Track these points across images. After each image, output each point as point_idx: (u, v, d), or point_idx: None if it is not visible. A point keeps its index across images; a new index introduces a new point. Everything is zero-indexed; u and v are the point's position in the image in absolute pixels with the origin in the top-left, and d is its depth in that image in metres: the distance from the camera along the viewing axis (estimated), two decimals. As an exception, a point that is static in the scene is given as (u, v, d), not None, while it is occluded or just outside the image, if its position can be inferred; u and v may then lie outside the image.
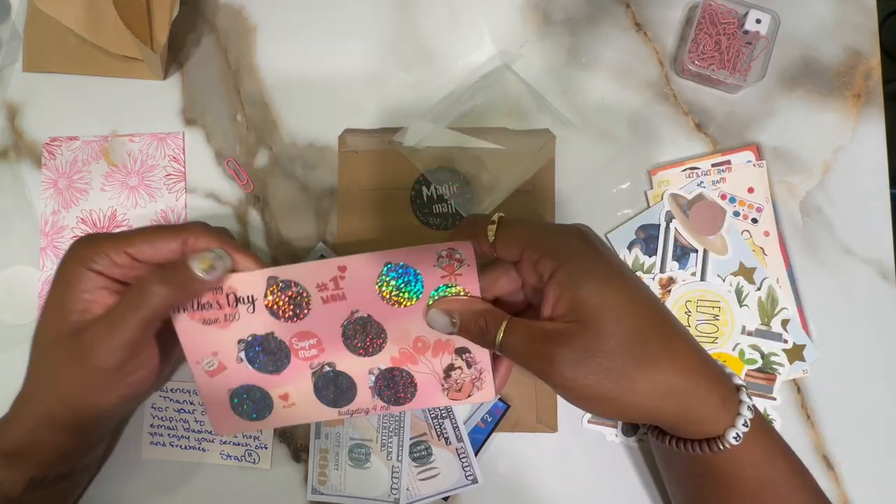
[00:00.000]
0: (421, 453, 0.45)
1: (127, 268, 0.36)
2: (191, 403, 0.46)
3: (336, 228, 0.47)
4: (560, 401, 0.46)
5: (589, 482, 0.45)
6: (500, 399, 0.45)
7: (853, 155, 0.47)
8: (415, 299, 0.37)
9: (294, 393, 0.39)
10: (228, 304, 0.37)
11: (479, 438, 0.45)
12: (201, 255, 0.35)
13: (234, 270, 0.37)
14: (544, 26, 0.48)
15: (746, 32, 0.45)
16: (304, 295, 0.37)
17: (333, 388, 0.39)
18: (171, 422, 0.46)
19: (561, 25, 0.48)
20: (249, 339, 0.38)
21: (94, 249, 0.35)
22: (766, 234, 0.46)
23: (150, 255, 0.36)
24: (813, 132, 0.47)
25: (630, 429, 0.45)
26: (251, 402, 0.40)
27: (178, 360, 0.42)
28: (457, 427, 0.44)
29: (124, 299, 0.35)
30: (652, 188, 0.47)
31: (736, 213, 0.46)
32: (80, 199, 0.47)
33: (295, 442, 0.46)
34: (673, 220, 0.46)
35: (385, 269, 0.36)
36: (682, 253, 0.46)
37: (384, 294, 0.37)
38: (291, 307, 0.37)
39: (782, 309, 0.45)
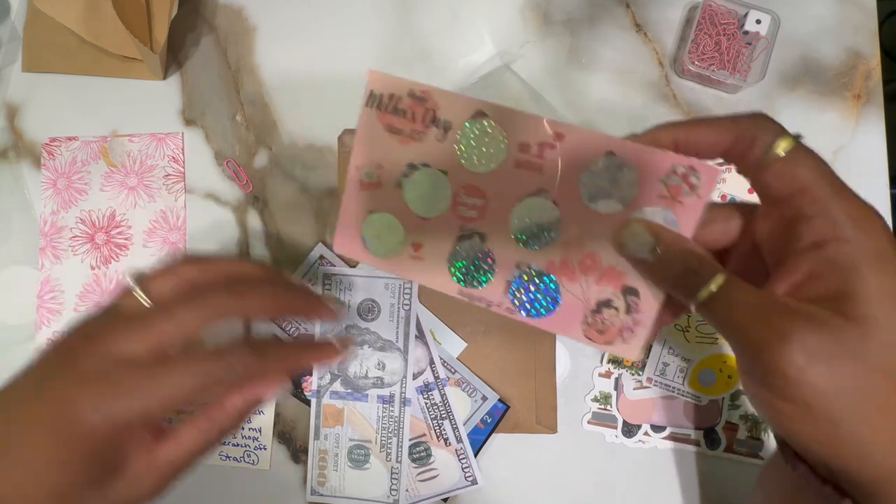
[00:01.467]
0: (420, 454, 0.44)
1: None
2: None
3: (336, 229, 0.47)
4: (560, 401, 0.46)
5: (589, 482, 0.45)
6: (499, 400, 0.44)
7: (853, 155, 0.47)
8: (618, 209, 0.31)
9: (428, 247, 0.35)
10: (423, 121, 0.32)
11: (479, 439, 0.45)
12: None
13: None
14: (544, 26, 0.48)
15: (746, 33, 0.45)
16: (500, 149, 0.32)
17: (471, 262, 0.34)
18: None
19: (561, 25, 0.48)
20: (420, 166, 0.33)
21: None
22: (767, 234, 0.46)
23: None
24: (813, 132, 0.47)
25: (629, 430, 0.45)
26: (382, 235, 0.35)
27: None
28: (456, 428, 0.44)
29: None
30: (652, 188, 0.47)
31: (736, 214, 0.46)
32: (80, 199, 0.47)
33: (294, 443, 0.46)
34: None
35: (602, 160, 0.30)
36: (683, 253, 0.46)
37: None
38: (480, 157, 0.32)
39: (782, 309, 0.45)
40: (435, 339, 0.44)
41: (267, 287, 0.33)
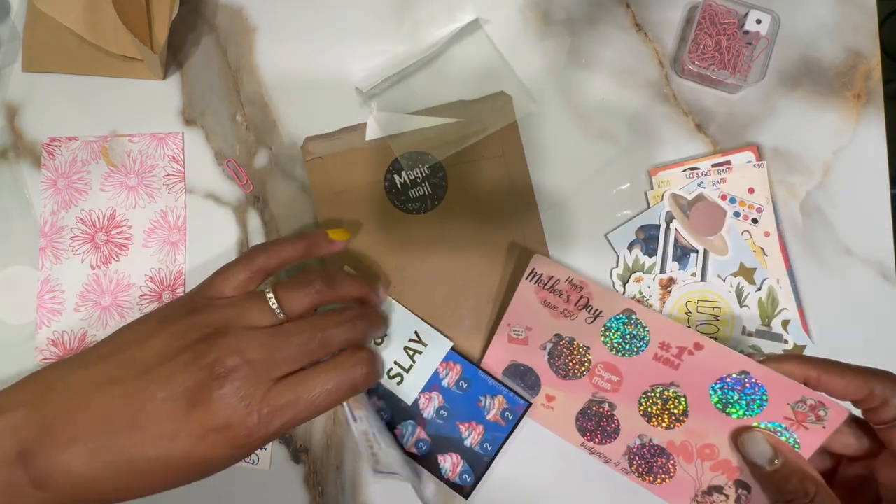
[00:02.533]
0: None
1: None
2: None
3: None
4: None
5: (588, 482, 0.45)
6: (519, 396, 0.43)
7: (853, 155, 0.47)
8: (742, 417, 0.35)
9: (561, 400, 0.40)
10: (575, 305, 0.37)
11: (500, 437, 0.44)
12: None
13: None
14: (544, 26, 0.48)
15: (746, 33, 0.45)
16: (643, 341, 0.36)
17: (597, 422, 0.39)
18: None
19: (561, 25, 0.48)
20: (567, 336, 0.38)
21: None
22: (767, 234, 0.46)
23: None
24: (813, 132, 0.47)
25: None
26: (519, 380, 0.41)
27: None
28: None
29: None
30: (652, 188, 0.47)
31: (736, 214, 0.46)
32: (80, 199, 0.47)
33: (294, 443, 0.46)
34: (673, 221, 0.46)
35: (736, 374, 0.34)
36: (683, 253, 0.46)
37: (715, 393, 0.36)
38: (622, 344, 0.37)
39: (783, 309, 0.45)
40: (420, 340, 0.43)
41: (357, 313, 0.38)
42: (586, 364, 0.38)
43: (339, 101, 0.48)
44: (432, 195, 0.46)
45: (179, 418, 0.32)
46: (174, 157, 0.48)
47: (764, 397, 0.34)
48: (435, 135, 0.46)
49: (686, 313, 0.46)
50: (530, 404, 0.41)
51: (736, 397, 0.34)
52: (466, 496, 0.42)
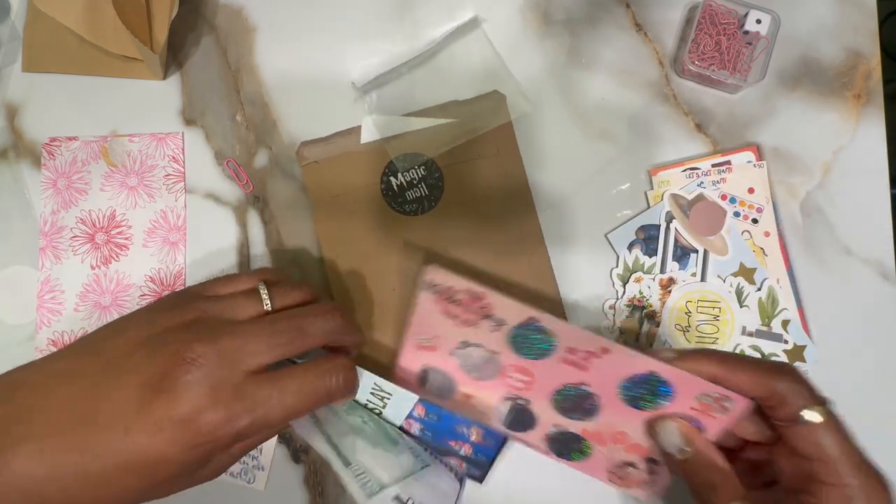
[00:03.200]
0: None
1: None
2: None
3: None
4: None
5: (588, 482, 0.45)
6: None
7: (853, 155, 0.47)
8: (652, 410, 0.36)
9: (478, 398, 0.41)
10: (475, 314, 0.37)
11: (493, 447, 0.43)
12: None
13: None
14: (544, 26, 0.48)
15: (746, 33, 0.45)
16: (551, 346, 0.37)
17: (514, 416, 0.40)
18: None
19: (561, 25, 0.48)
20: (474, 343, 0.39)
21: None
22: (767, 234, 0.46)
23: None
24: (813, 132, 0.47)
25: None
26: (437, 383, 0.41)
27: None
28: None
29: None
30: (652, 188, 0.47)
31: (736, 214, 0.46)
32: (80, 199, 0.47)
33: (294, 443, 0.46)
34: (673, 221, 0.46)
35: (646, 376, 0.35)
36: (683, 253, 0.46)
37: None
38: (529, 350, 0.38)
39: (783, 310, 0.45)
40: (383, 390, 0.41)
41: (336, 324, 0.36)
42: (495, 367, 0.39)
43: (339, 101, 0.48)
44: (429, 196, 0.46)
45: (138, 409, 0.28)
46: (174, 157, 0.48)
47: (670, 393, 0.35)
48: (430, 135, 0.46)
49: (686, 313, 0.46)
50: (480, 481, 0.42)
51: (644, 394, 0.36)
52: (480, 480, 0.43)
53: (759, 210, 0.46)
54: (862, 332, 0.46)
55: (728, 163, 0.46)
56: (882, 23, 1.13)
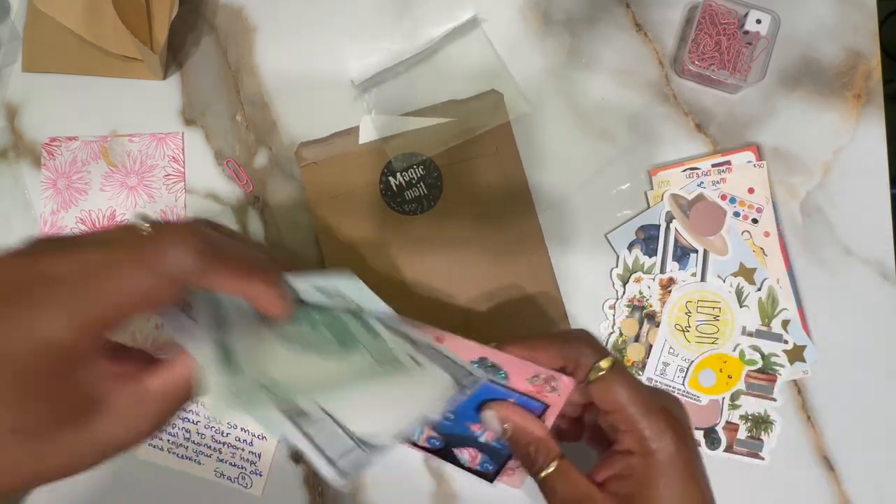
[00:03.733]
0: None
1: None
2: (196, 414, 0.46)
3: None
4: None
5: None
6: (535, 399, 0.41)
7: (853, 155, 0.47)
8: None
9: None
10: None
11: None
12: None
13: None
14: (544, 26, 0.48)
15: (746, 33, 0.45)
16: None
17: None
18: (173, 428, 0.46)
19: (561, 25, 0.48)
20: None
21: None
22: (767, 234, 0.46)
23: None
24: (813, 132, 0.47)
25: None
26: None
27: None
28: None
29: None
30: (652, 188, 0.47)
31: (736, 214, 0.46)
32: (80, 199, 0.47)
33: (294, 442, 0.46)
34: (673, 221, 0.46)
35: (477, 360, 0.35)
36: (683, 253, 0.46)
37: None
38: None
39: (782, 309, 0.45)
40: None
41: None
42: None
43: (338, 102, 0.48)
44: (428, 196, 0.46)
45: None
46: (174, 157, 0.48)
47: (506, 378, 0.36)
48: (428, 135, 0.46)
49: (686, 313, 0.46)
50: (547, 405, 0.40)
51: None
52: (491, 480, 0.41)
53: (759, 210, 0.46)
54: (862, 332, 0.46)
55: (728, 163, 0.46)
56: (882, 23, 1.13)
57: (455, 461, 0.40)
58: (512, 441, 0.35)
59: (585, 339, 0.35)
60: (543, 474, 0.33)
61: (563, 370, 0.34)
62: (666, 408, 0.32)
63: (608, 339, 0.46)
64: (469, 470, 0.41)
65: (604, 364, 0.33)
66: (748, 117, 0.47)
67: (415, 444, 0.40)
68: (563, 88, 0.48)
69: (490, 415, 0.35)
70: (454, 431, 0.40)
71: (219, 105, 0.48)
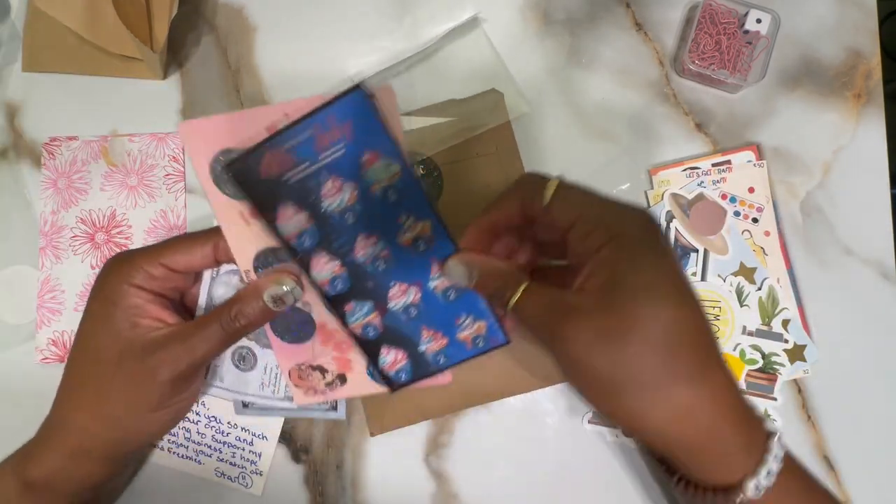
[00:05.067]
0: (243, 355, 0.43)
1: (164, 279, 0.36)
2: (196, 414, 0.45)
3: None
4: (560, 401, 0.46)
5: (589, 482, 0.45)
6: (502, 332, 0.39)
7: (853, 155, 0.47)
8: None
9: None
10: None
11: (459, 357, 0.39)
12: (274, 290, 0.35)
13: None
14: (544, 26, 0.48)
15: (747, 32, 0.45)
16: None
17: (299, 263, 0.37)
18: (174, 427, 0.46)
19: (561, 25, 0.48)
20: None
21: (132, 265, 0.35)
22: (767, 234, 0.46)
23: (184, 264, 0.36)
24: (813, 132, 0.47)
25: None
26: None
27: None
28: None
29: (201, 326, 0.35)
30: (652, 188, 0.47)
31: (736, 213, 0.46)
32: (80, 198, 0.47)
33: (294, 443, 0.46)
34: (673, 220, 0.46)
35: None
36: (683, 253, 0.46)
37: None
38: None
39: (783, 309, 0.45)
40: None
41: None
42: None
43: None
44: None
45: None
46: (174, 157, 0.48)
47: None
48: (428, 134, 0.46)
49: (686, 313, 0.46)
50: (508, 342, 0.38)
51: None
52: (394, 390, 0.39)
53: (760, 210, 0.46)
54: (862, 332, 0.46)
55: (728, 162, 0.46)
56: (882, 23, 1.13)
57: (374, 358, 0.38)
58: (479, 285, 0.34)
59: (527, 175, 0.34)
60: (513, 301, 0.31)
61: (524, 212, 0.33)
62: (625, 204, 0.32)
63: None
64: (380, 373, 0.38)
65: (551, 183, 0.32)
66: (748, 117, 0.47)
67: (345, 325, 0.37)
68: (563, 88, 0.48)
69: (453, 263, 0.34)
70: (401, 331, 0.37)
71: (219, 105, 0.48)
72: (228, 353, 0.41)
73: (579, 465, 0.45)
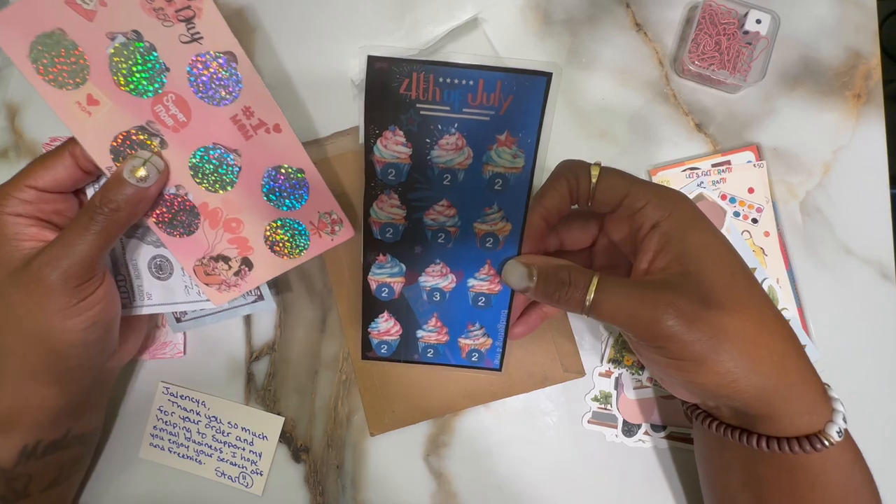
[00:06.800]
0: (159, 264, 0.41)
1: (38, 202, 0.36)
2: (196, 414, 0.46)
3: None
4: (560, 400, 0.46)
5: (589, 482, 0.45)
6: (500, 358, 0.40)
7: (853, 155, 0.47)
8: (277, 207, 0.36)
9: (106, 110, 0.35)
10: (176, 12, 0.32)
11: (444, 359, 0.39)
12: (131, 163, 0.34)
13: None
14: (544, 26, 0.48)
15: (746, 32, 0.45)
16: (229, 95, 0.34)
17: (137, 150, 0.36)
18: (174, 427, 0.46)
19: (561, 25, 0.48)
20: (147, 42, 0.33)
21: (1, 195, 0.35)
22: (766, 234, 0.46)
23: (50, 180, 0.35)
24: (813, 132, 0.47)
25: (629, 429, 0.45)
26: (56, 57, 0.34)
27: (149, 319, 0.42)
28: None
29: (75, 222, 0.35)
30: (652, 188, 0.47)
31: (736, 214, 0.46)
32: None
33: (294, 443, 0.46)
34: (673, 221, 0.46)
35: (293, 170, 0.34)
36: (683, 253, 0.46)
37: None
38: (206, 87, 0.34)
39: (783, 309, 0.45)
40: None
41: None
42: (157, 84, 0.33)
43: (339, 101, 0.48)
44: None
45: None
46: (174, 157, 0.48)
47: (304, 199, 0.34)
48: None
49: (686, 313, 0.46)
50: (499, 370, 0.38)
51: (283, 190, 0.34)
52: (364, 357, 0.38)
53: (759, 210, 0.46)
54: (862, 332, 0.46)
55: (728, 163, 0.46)
56: (882, 23, 1.13)
57: (367, 319, 0.38)
58: (541, 282, 0.33)
59: (566, 162, 0.35)
60: (590, 298, 0.31)
61: (570, 194, 0.34)
62: (659, 184, 0.34)
63: (609, 340, 0.46)
64: (364, 333, 0.38)
65: (595, 165, 0.34)
66: (748, 117, 0.47)
67: (365, 272, 0.36)
68: (563, 88, 0.48)
69: (513, 263, 0.34)
70: (412, 305, 0.37)
71: (219, 105, 0.48)
72: (145, 265, 0.40)
73: (579, 465, 0.45)
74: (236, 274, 0.38)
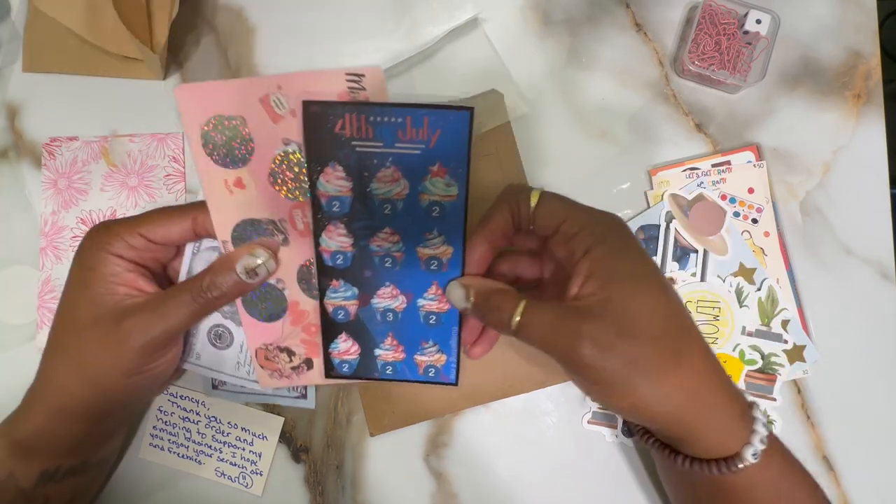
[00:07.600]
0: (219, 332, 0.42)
1: (143, 249, 0.37)
2: (196, 414, 0.46)
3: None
4: (560, 400, 0.46)
5: (589, 482, 0.45)
6: (455, 373, 0.40)
7: (853, 155, 0.47)
8: None
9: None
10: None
11: (403, 374, 0.40)
12: (248, 261, 0.36)
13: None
14: (544, 26, 0.48)
15: (746, 33, 0.45)
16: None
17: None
18: (174, 427, 0.46)
19: (561, 25, 0.48)
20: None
21: (110, 233, 0.36)
22: (766, 234, 0.46)
23: (162, 235, 0.37)
24: (813, 132, 0.47)
25: (629, 429, 0.45)
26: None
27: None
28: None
29: (175, 295, 0.36)
30: (652, 188, 0.47)
31: (736, 214, 0.46)
32: (80, 199, 0.47)
33: (294, 443, 0.46)
34: (673, 221, 0.46)
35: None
36: (683, 253, 0.46)
37: None
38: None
39: (782, 309, 0.45)
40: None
41: None
42: (304, 198, 0.36)
43: (339, 101, 0.48)
44: None
45: None
46: (174, 157, 0.48)
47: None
48: None
49: (686, 313, 0.46)
50: (455, 384, 0.40)
51: None
52: (328, 377, 0.39)
53: (759, 210, 0.46)
54: (862, 332, 0.46)
55: (728, 163, 0.46)
56: (882, 23, 1.13)
57: (328, 340, 0.39)
58: (476, 306, 0.35)
59: (510, 187, 0.36)
60: (516, 320, 0.32)
61: (513, 220, 0.35)
62: (598, 210, 0.35)
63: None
64: (325, 354, 0.39)
65: (535, 191, 0.34)
66: (748, 117, 0.47)
67: (322, 297, 0.37)
68: (563, 88, 0.48)
69: (453, 285, 0.36)
70: (368, 326, 0.38)
71: (219, 105, 0.48)
72: (205, 330, 0.41)
73: (579, 465, 0.45)
74: (294, 368, 0.39)
